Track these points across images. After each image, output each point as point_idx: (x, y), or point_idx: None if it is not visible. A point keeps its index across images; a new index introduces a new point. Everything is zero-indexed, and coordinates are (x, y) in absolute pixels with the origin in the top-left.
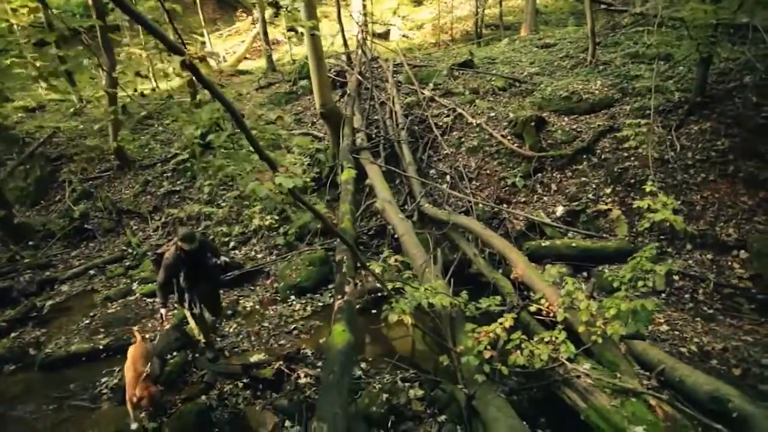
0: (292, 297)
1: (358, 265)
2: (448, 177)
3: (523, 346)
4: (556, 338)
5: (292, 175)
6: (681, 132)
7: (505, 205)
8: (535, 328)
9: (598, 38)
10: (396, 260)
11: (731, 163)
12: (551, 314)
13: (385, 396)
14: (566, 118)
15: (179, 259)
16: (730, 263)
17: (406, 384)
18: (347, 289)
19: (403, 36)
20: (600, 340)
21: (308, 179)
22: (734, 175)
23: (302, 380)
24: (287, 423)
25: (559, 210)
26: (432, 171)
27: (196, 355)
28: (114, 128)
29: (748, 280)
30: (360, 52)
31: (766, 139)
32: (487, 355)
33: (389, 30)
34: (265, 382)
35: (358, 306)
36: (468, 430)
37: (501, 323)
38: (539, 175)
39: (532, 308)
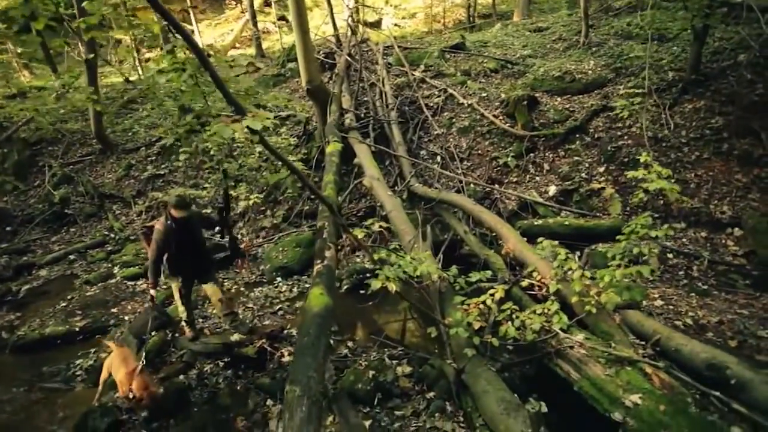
0: (279, 279)
1: (341, 232)
2: (438, 158)
3: (514, 316)
4: (549, 309)
5: (260, 118)
6: (675, 110)
7: (496, 185)
8: (527, 303)
9: (591, 21)
10: (381, 227)
11: (725, 141)
12: (543, 289)
13: (371, 373)
14: (559, 98)
15: (171, 230)
16: (724, 241)
17: (394, 361)
18: (327, 254)
19: (395, 25)
20: (594, 310)
21: (296, 158)
22: (728, 152)
23: (286, 359)
24: (269, 402)
25: (552, 189)
26: (423, 152)
27: (176, 335)
28: (95, 112)
29: (742, 257)
30: (350, 34)
31: (760, 116)
32: (476, 325)
33: (381, 19)
34: (247, 361)
35: (346, 286)
36: (457, 406)
37: (491, 294)
38: (531, 155)
39: (524, 283)
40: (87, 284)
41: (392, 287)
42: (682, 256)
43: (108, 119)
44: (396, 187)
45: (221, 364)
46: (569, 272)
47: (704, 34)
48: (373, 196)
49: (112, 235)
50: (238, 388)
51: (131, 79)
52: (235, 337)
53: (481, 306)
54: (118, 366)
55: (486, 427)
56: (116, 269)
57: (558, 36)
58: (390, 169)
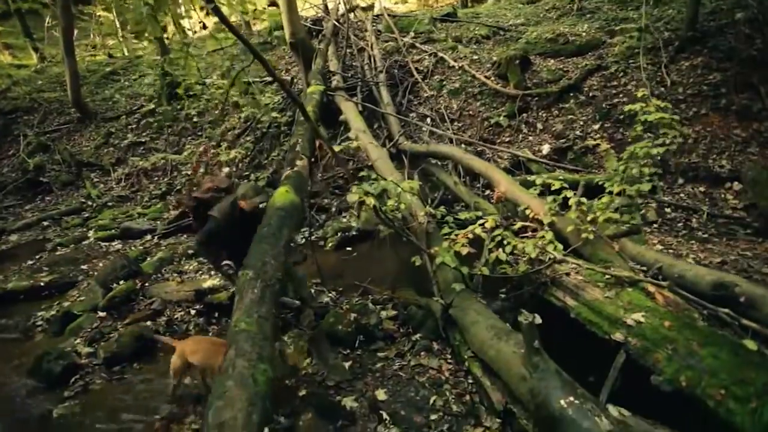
0: None
1: (315, 148)
2: (428, 120)
3: (505, 242)
4: (543, 239)
5: None
6: (671, 69)
7: (488, 145)
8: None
9: None
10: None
11: (723, 96)
12: (538, 230)
13: (353, 316)
14: (552, 60)
15: (234, 220)
16: (723, 195)
17: (378, 306)
18: (298, 163)
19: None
20: (591, 236)
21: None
22: (727, 108)
23: None
24: None
25: (546, 148)
26: (412, 114)
27: (146, 284)
28: (72, 80)
29: (742, 210)
30: (338, 2)
31: (759, 71)
32: (464, 251)
33: (373, 3)
34: (220, 308)
35: (331, 244)
36: (445, 342)
37: (481, 224)
38: (524, 115)
39: (517, 226)
40: (59, 246)
41: (369, 202)
42: (681, 210)
43: (88, 89)
44: (384, 147)
45: (193, 312)
46: (564, 206)
47: None
48: (359, 160)
49: (90, 203)
50: (210, 335)
51: (116, 55)
52: (208, 283)
53: (470, 236)
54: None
55: (475, 358)
56: (90, 233)
57: (551, 6)
58: (378, 133)
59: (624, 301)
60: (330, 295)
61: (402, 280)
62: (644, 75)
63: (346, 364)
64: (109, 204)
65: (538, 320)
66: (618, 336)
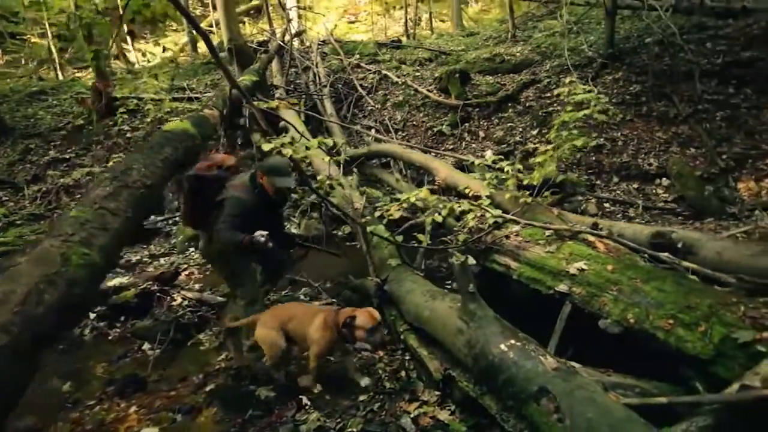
0: (192, 248)
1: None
2: (373, 130)
3: (441, 206)
4: (481, 206)
5: None
6: (597, 82)
7: (434, 150)
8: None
9: (518, 25)
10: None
11: (644, 104)
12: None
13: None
14: (490, 77)
15: (256, 204)
16: (654, 190)
17: (307, 297)
18: (207, 111)
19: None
20: (529, 200)
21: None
22: (648, 114)
23: (177, 302)
24: (146, 345)
25: (488, 153)
26: (357, 127)
27: None
28: None
29: (672, 202)
30: (286, 25)
31: (670, 82)
32: (396, 215)
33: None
34: (126, 308)
35: None
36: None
37: (416, 194)
38: (467, 124)
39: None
40: None
41: (287, 152)
42: (618, 204)
43: (8, 106)
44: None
45: (92, 315)
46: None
47: (614, 10)
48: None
49: None
50: (110, 338)
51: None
52: (114, 281)
53: (405, 205)
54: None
55: (411, 329)
56: None
57: (488, 36)
58: None
59: (566, 254)
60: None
61: (341, 275)
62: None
63: None
64: (18, 222)
65: (472, 261)
66: (562, 287)
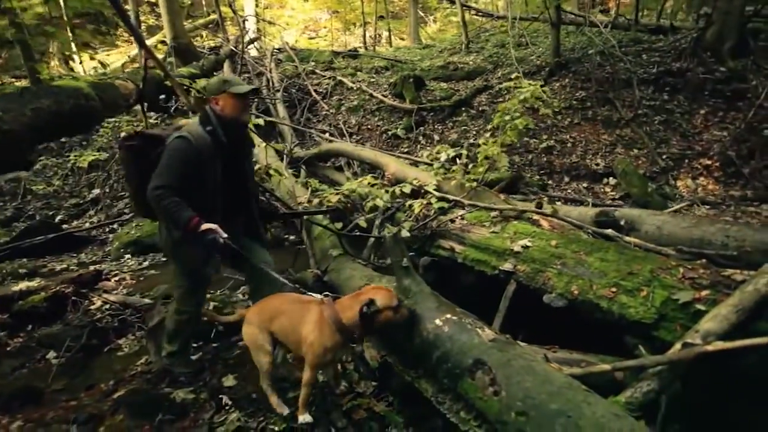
0: (128, 255)
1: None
2: (327, 134)
3: (377, 194)
4: (427, 194)
5: None
6: (545, 88)
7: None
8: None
9: (471, 39)
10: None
11: (590, 108)
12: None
13: (212, 305)
14: (444, 83)
15: (210, 148)
16: (603, 188)
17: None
18: (118, 82)
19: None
20: (474, 185)
21: None
22: (594, 118)
23: (95, 306)
24: (51, 354)
25: (443, 156)
26: (311, 131)
27: None
28: None
29: (619, 199)
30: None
31: (612, 89)
32: (333, 199)
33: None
34: (34, 314)
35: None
36: None
37: (358, 182)
38: (422, 128)
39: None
40: None
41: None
42: (570, 203)
43: None
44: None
45: None
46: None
47: (558, 21)
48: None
49: None
50: (9, 348)
51: None
52: (21, 285)
53: (345, 192)
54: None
55: None
56: None
57: (443, 48)
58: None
59: (510, 233)
60: None
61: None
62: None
63: (195, 357)
64: None
65: (405, 233)
66: (507, 266)
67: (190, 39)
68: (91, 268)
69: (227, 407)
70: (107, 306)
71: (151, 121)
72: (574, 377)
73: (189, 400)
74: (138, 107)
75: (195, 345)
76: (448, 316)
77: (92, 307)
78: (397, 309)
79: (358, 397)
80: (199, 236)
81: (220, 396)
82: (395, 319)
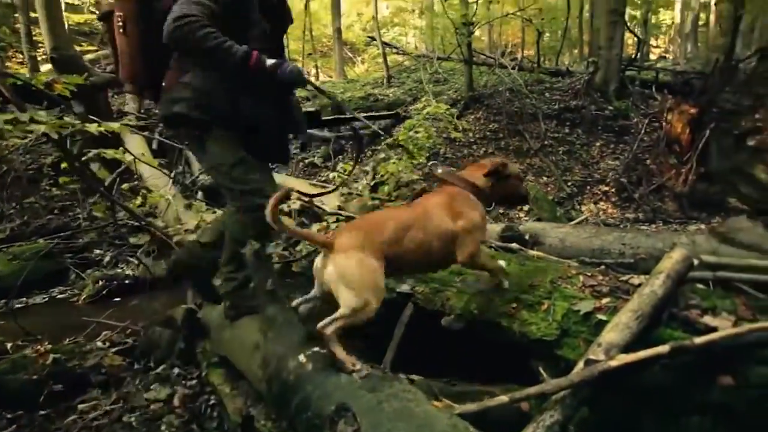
0: None
1: None
2: None
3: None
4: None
5: None
6: (461, 120)
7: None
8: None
9: (392, 75)
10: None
11: (502, 139)
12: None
13: (50, 357)
14: (364, 114)
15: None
16: (517, 214)
17: (107, 343)
18: None
19: None
20: (375, 203)
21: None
22: (506, 147)
23: None
24: None
25: (363, 182)
26: None
27: None
28: None
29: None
30: None
31: (521, 122)
32: (209, 218)
33: None
34: None
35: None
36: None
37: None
38: (340, 156)
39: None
40: None
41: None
42: None
43: None
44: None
45: None
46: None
47: (470, 58)
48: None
49: None
50: None
51: None
52: None
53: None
54: None
55: (218, 364)
56: None
57: (366, 83)
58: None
59: None
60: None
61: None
62: (441, 124)
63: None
64: None
65: (272, 248)
66: (404, 287)
67: (75, 50)
68: None
69: None
70: None
71: None
72: (468, 415)
73: None
74: None
75: (7, 417)
76: (316, 349)
77: None
78: (522, 180)
79: None
80: (270, 72)
81: None
82: (520, 189)
